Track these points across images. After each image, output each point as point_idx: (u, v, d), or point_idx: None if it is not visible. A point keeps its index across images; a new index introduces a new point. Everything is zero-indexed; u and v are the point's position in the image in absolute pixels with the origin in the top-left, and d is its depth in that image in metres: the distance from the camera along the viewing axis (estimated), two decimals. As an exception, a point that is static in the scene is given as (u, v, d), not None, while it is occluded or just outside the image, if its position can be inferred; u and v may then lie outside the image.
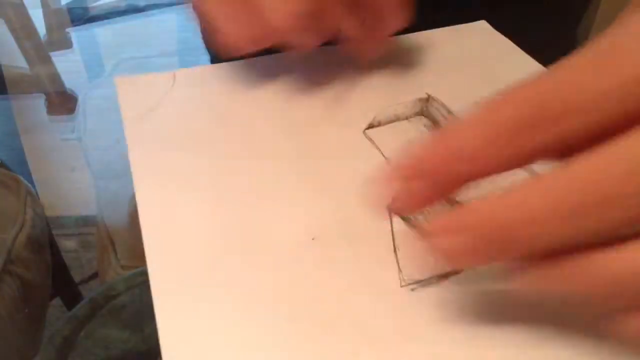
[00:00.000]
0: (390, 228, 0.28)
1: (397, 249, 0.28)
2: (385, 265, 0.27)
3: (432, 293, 0.26)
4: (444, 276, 0.26)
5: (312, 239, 0.29)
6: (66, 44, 1.42)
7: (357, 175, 0.33)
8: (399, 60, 0.46)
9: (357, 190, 0.32)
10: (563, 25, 0.48)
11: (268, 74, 0.44)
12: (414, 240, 0.27)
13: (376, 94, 0.40)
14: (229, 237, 0.28)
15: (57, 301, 0.80)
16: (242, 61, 0.43)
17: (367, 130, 0.37)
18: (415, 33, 0.49)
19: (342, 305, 0.25)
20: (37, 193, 0.59)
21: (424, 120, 0.37)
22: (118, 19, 0.65)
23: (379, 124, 0.37)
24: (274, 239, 0.29)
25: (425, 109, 0.38)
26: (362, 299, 0.26)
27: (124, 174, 0.48)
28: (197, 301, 0.25)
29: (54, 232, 0.67)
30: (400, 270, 0.27)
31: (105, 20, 0.64)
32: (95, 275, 1.06)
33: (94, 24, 0.63)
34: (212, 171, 0.33)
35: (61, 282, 0.79)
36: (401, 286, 0.26)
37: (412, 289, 0.26)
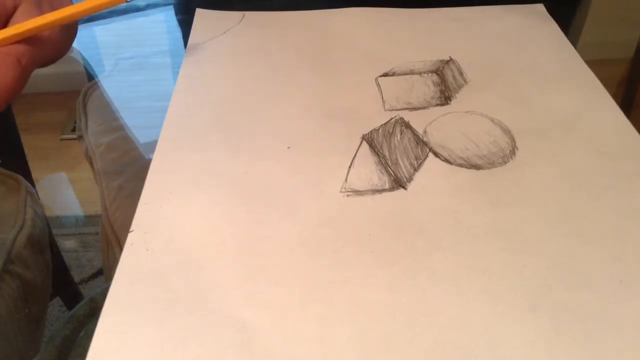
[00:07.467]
0: (356, 150, 0.36)
1: (352, 166, 0.35)
2: (337, 174, 0.35)
3: (359, 202, 0.33)
4: (377, 191, 0.34)
5: (288, 148, 0.37)
6: (66, 43, 1.42)
7: (351, 104, 0.40)
8: (445, 27, 0.48)
9: (343, 114, 0.40)
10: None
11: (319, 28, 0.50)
12: (369, 163, 0.35)
13: (412, 53, 0.45)
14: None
15: (57, 301, 0.80)
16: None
17: (379, 78, 0.42)
18: (470, 7, 0.51)
19: (296, 195, 0.34)
20: (37, 193, 0.59)
21: (434, 77, 0.40)
22: (118, 18, 0.64)
23: (394, 74, 0.41)
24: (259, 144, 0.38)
25: (441, 69, 0.41)
26: (312, 193, 0.34)
27: (126, 171, 0.48)
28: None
29: (54, 232, 0.67)
30: (346, 180, 0.34)
31: (105, 20, 0.64)
32: (95, 275, 1.06)
33: (93, 23, 0.63)
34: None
35: (61, 282, 0.79)
36: (340, 191, 0.34)
37: (347, 195, 0.33)
